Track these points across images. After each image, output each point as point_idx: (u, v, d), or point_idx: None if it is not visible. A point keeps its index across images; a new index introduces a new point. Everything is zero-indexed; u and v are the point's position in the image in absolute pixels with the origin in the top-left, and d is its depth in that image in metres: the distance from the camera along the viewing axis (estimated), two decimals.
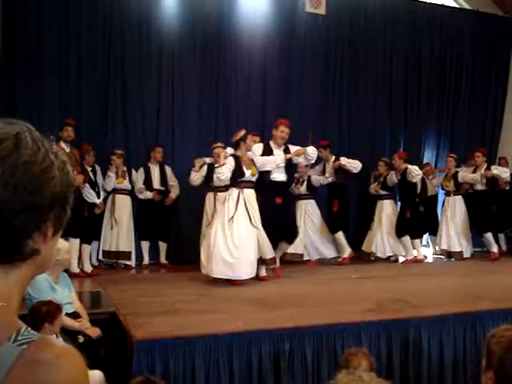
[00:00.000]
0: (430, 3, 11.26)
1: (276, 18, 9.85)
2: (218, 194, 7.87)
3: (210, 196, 8.26)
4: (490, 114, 11.78)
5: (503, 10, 11.85)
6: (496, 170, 9.52)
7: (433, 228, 10.36)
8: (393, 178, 9.38)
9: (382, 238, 9.43)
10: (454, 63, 11.45)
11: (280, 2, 9.90)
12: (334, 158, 9.05)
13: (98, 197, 7.91)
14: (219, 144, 8.05)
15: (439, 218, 10.25)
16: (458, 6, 11.77)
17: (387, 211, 9.54)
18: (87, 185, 7.67)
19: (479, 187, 9.60)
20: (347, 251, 9.06)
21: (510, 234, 10.42)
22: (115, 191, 8.29)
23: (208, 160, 8.32)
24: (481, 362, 2.08)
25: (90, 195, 7.70)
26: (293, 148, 7.35)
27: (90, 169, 7.95)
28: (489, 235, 9.62)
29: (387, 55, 10.84)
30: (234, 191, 6.78)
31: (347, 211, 9.44)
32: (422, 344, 4.60)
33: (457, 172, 9.81)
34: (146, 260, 8.63)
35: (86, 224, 7.57)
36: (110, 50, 8.88)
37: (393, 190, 9.71)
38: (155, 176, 8.61)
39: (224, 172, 6.71)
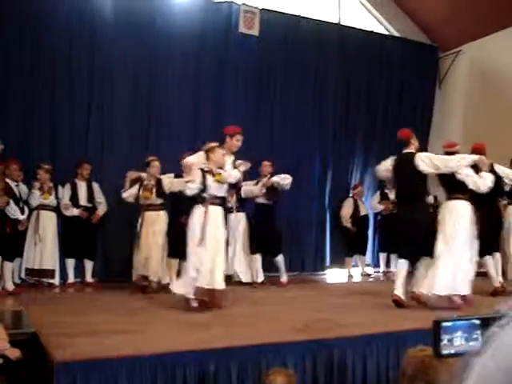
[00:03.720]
0: (360, 29, 11.57)
1: (209, 38, 9.88)
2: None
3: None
4: (417, 137, 12.12)
5: (430, 39, 12.31)
6: (277, 177, 8.63)
7: (362, 248, 10.64)
8: None
9: None
10: (382, 88, 11.78)
11: (213, 22, 9.94)
12: None
13: (22, 213, 7.66)
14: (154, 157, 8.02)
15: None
16: (387, 33, 12.14)
17: None
18: (11, 200, 7.43)
19: (260, 200, 8.74)
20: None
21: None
22: (40, 207, 8.06)
23: (144, 175, 8.02)
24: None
25: (13, 211, 7.44)
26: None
27: (14, 184, 7.72)
28: (278, 258, 8.75)
29: (318, 78, 11.04)
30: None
31: None
32: (347, 364, 4.64)
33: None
34: (71, 278, 8.41)
35: (9, 240, 7.34)
36: (38, 62, 8.67)
37: None
38: (82, 192, 8.43)
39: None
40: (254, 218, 8.86)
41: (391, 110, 11.84)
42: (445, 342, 1.18)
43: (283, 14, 10.77)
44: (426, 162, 6.56)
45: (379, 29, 12.13)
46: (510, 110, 10.46)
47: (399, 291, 6.40)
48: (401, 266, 6.61)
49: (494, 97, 10.83)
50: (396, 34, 12.16)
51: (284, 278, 8.77)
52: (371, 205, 10.85)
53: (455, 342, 1.18)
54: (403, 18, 12.15)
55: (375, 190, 11.25)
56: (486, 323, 1.19)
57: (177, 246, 7.46)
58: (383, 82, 11.79)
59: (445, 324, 1.18)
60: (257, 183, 8.71)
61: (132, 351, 4.20)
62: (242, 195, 8.58)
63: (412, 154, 6.71)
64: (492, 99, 10.87)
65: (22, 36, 8.54)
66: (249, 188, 8.61)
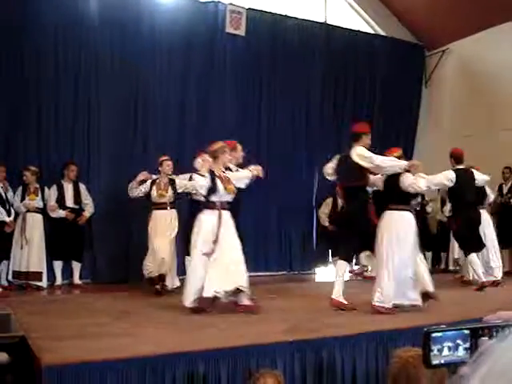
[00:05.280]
0: (346, 29, 11.58)
1: (195, 38, 9.83)
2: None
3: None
4: (402, 137, 12.17)
5: (416, 38, 12.35)
6: None
7: None
8: None
9: None
10: (368, 87, 11.80)
11: (199, 22, 9.89)
12: None
13: (9, 215, 7.62)
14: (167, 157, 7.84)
15: None
16: (373, 32, 12.17)
17: None
18: None
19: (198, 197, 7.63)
20: None
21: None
22: (27, 209, 8.01)
23: (154, 176, 7.76)
24: None
25: None
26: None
27: (0, 186, 7.67)
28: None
29: (305, 78, 11.02)
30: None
31: None
32: (336, 364, 4.64)
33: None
34: (59, 280, 8.36)
35: None
36: (23, 62, 8.59)
37: None
38: (68, 194, 8.37)
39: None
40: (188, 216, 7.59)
41: (378, 109, 11.85)
42: (435, 352, 1.19)
43: (270, 13, 10.76)
44: (481, 176, 8.25)
45: (365, 28, 12.15)
46: (495, 108, 10.53)
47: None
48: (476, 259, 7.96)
49: (480, 95, 10.89)
50: (382, 33, 12.18)
51: None
52: None
53: (445, 352, 1.19)
54: (389, 17, 12.17)
55: None
56: (476, 333, 1.19)
57: None
58: (370, 80, 11.81)
59: (435, 335, 1.19)
60: (190, 178, 7.45)
61: (120, 354, 4.19)
62: (178, 189, 7.76)
63: (471, 170, 8.19)
64: (478, 97, 10.93)
65: (7, 36, 8.44)
66: (186, 183, 7.64)
